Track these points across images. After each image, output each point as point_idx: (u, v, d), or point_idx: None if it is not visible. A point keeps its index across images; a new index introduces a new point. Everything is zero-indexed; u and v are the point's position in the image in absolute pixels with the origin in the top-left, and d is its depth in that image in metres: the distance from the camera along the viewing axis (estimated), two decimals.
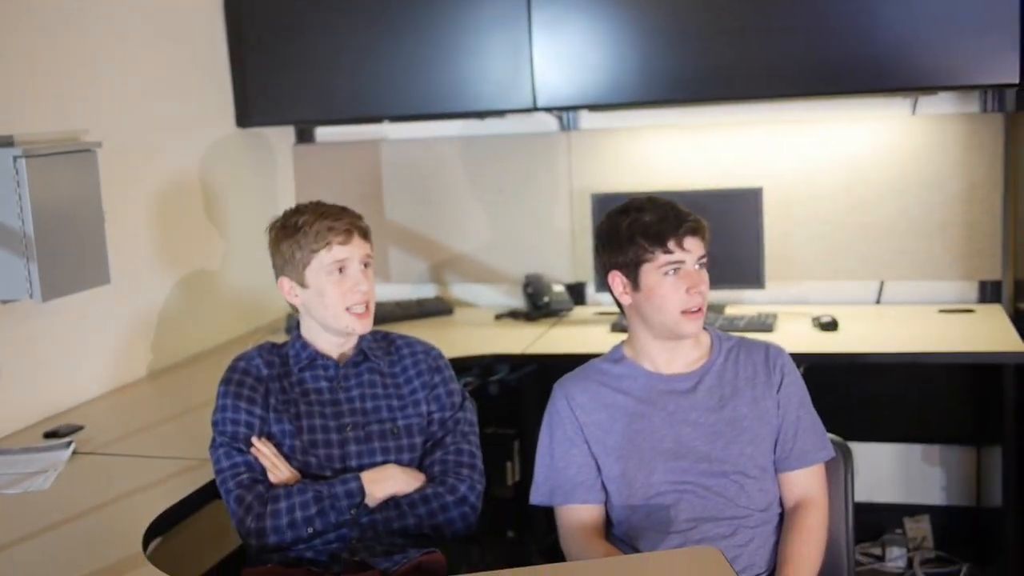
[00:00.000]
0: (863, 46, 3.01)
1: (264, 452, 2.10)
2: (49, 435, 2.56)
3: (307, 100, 3.54)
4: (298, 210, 2.18)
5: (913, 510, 3.55)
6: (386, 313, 3.50)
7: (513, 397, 3.42)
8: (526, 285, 3.62)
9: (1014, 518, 2.97)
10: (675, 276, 2.08)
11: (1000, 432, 3.00)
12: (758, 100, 3.43)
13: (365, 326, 2.19)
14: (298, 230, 2.13)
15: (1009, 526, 2.98)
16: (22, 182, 2.40)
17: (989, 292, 3.40)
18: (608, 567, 1.82)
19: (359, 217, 2.20)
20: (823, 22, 3.04)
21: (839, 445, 2.18)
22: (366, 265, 2.18)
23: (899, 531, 3.52)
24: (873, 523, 3.53)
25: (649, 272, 2.08)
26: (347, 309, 2.15)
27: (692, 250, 2.09)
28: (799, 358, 2.32)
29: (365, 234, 2.18)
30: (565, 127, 3.73)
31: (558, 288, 3.59)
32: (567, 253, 3.72)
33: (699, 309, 2.10)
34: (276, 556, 2.03)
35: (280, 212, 2.23)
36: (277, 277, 2.21)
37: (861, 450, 3.53)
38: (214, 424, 2.14)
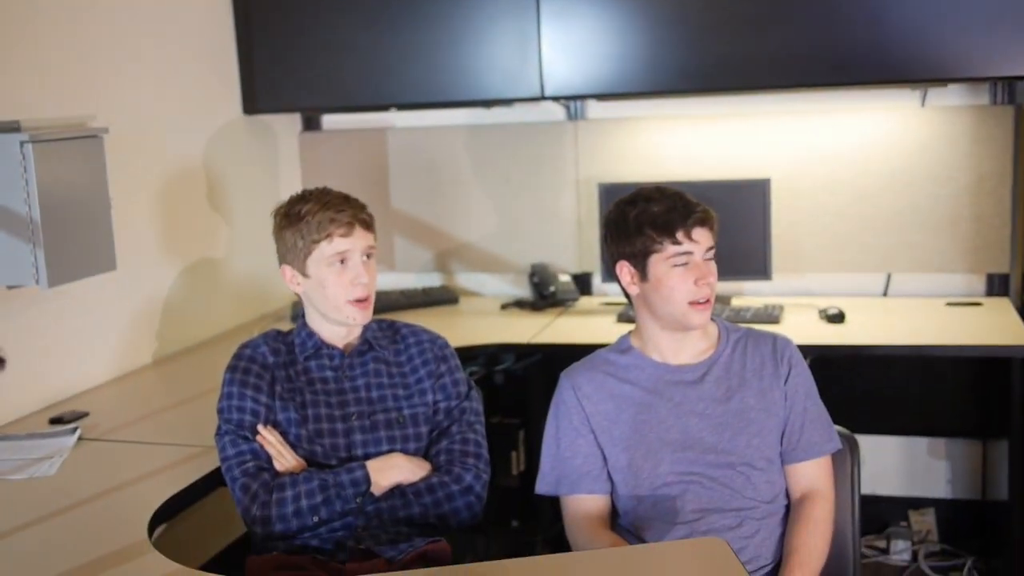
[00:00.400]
0: (872, 37, 3.00)
1: (270, 440, 2.10)
2: (54, 421, 2.56)
3: (314, 88, 3.53)
4: (303, 197, 2.17)
5: (918, 503, 3.55)
6: (391, 302, 3.49)
7: (518, 387, 3.42)
8: (532, 275, 3.61)
9: (1020, 512, 2.97)
10: (683, 267, 2.07)
11: (1007, 425, 3.00)
12: (766, 90, 3.42)
13: (365, 316, 2.18)
14: (301, 219, 2.12)
15: (1015, 520, 2.97)
16: (29, 167, 2.39)
17: (997, 285, 3.39)
18: (613, 557, 1.82)
19: (363, 208, 2.17)
20: (833, 12, 3.03)
21: (846, 437, 2.18)
22: (368, 256, 2.17)
23: (904, 524, 3.51)
24: (878, 516, 3.53)
25: (657, 263, 2.08)
26: (345, 301, 2.14)
27: (701, 241, 2.08)
28: (805, 350, 2.31)
29: (368, 225, 2.16)
30: (572, 116, 3.72)
31: (564, 278, 3.58)
32: (573, 243, 3.71)
33: (707, 300, 2.09)
34: (281, 544, 2.03)
35: (286, 198, 2.22)
36: (280, 263, 2.20)
37: (866, 442, 3.49)
38: (220, 412, 2.14)
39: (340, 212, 2.12)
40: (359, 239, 2.13)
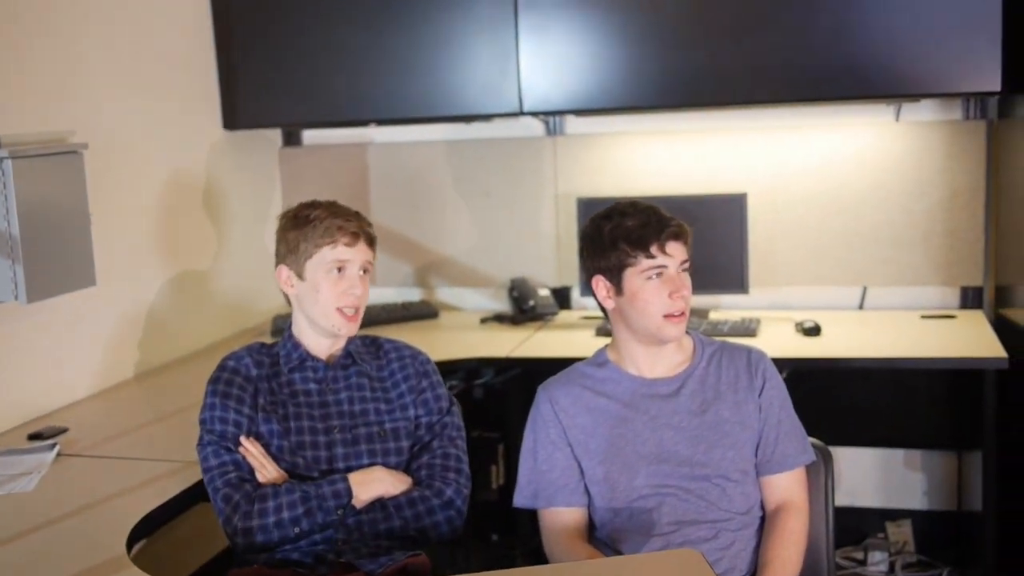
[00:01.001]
0: (847, 53, 3.04)
1: (252, 452, 2.10)
2: (33, 437, 2.56)
3: (294, 103, 3.55)
4: (313, 204, 2.22)
5: (895, 514, 3.58)
6: (372, 316, 3.48)
7: (498, 401, 3.43)
8: (511, 289, 3.63)
9: (994, 522, 3.00)
10: (658, 280, 2.09)
11: (980, 437, 3.03)
12: (743, 106, 3.45)
13: (351, 329, 2.21)
14: (308, 222, 2.17)
15: (989, 530, 3.00)
16: (8, 183, 2.40)
17: (970, 298, 3.43)
18: (589, 569, 1.83)
19: (369, 224, 2.23)
20: (807, 29, 3.06)
21: (819, 449, 2.20)
22: (365, 271, 2.21)
23: (881, 535, 3.54)
24: (855, 527, 3.56)
25: (632, 277, 2.10)
26: (337, 309, 2.17)
27: (674, 255, 2.10)
28: (782, 363, 2.34)
29: (371, 241, 2.22)
30: (551, 132, 3.75)
31: (543, 292, 3.60)
32: (552, 257, 3.73)
33: (682, 313, 2.11)
34: (262, 557, 2.03)
35: (267, 215, 2.25)
36: (277, 264, 2.23)
37: (843, 455, 3.55)
38: (202, 422, 2.15)
39: (348, 222, 2.17)
40: (360, 252, 2.18)
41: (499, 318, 3.59)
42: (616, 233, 2.11)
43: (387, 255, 3.86)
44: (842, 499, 3.43)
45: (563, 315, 3.63)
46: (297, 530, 2.03)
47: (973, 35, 2.93)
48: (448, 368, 3.02)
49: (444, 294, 3.90)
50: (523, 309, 3.54)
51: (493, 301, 3.83)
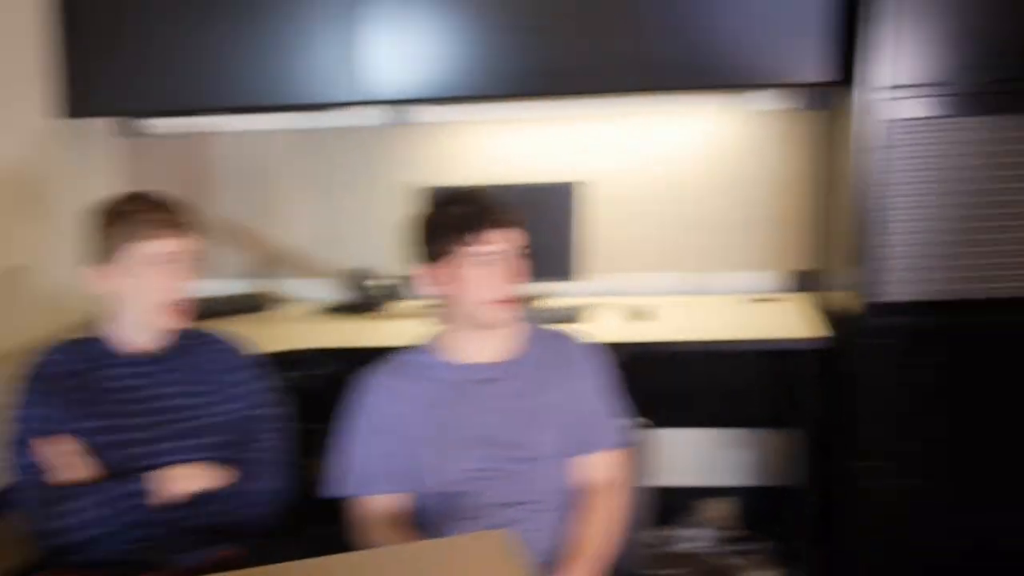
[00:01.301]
0: (690, 44, 3.10)
1: (62, 450, 2.05)
2: None
3: (133, 92, 3.45)
4: (127, 198, 2.17)
5: (721, 492, 3.69)
6: (209, 308, 3.43)
7: (335, 391, 3.41)
8: (354, 278, 3.62)
9: (813, 497, 3.13)
10: (484, 267, 2.12)
11: (802, 415, 3.16)
12: (587, 96, 3.51)
13: (175, 323, 2.17)
14: (121, 217, 2.11)
15: (808, 505, 3.14)
16: None
17: (801, 281, 3.57)
18: (393, 554, 1.84)
19: (186, 212, 2.18)
20: (651, 20, 3.11)
21: (639, 429, 2.26)
22: (185, 262, 2.16)
23: (707, 512, 3.64)
24: (681, 506, 3.66)
25: (458, 264, 2.13)
26: (159, 304, 2.13)
27: (501, 242, 2.14)
28: (611, 348, 2.38)
29: (189, 230, 2.17)
30: (396, 121, 3.74)
31: (385, 282, 3.60)
32: (395, 246, 3.72)
33: (507, 300, 2.14)
34: (73, 558, 1.99)
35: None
36: (92, 263, 2.16)
37: (672, 435, 3.65)
38: (12, 421, 2.08)
39: (164, 213, 2.13)
40: (178, 243, 2.14)
41: (341, 308, 3.58)
42: (442, 221, 2.14)
43: (227, 246, 3.80)
44: (669, 478, 3.52)
45: (404, 304, 3.64)
46: (106, 529, 1.98)
47: (809, 27, 3.02)
48: (287, 359, 2.99)
49: (286, 285, 3.86)
50: (364, 299, 3.54)
51: (335, 291, 3.80)
